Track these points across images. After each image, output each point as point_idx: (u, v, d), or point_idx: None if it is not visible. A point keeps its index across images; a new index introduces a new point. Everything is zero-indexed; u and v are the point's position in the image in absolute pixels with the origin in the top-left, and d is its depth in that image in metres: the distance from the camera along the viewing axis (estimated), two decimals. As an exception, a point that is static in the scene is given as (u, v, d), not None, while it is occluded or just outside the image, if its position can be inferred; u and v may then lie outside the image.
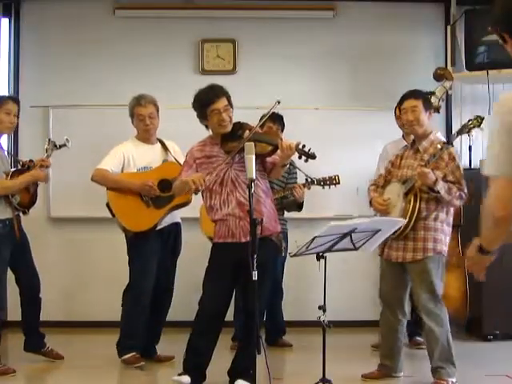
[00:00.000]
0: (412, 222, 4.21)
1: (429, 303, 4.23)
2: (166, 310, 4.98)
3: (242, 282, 4.11)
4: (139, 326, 4.81)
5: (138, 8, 6.27)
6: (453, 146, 4.52)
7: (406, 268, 4.32)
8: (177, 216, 4.94)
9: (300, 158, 4.03)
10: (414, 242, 4.26)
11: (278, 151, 4.07)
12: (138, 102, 4.86)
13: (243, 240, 4.04)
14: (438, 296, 4.25)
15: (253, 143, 3.76)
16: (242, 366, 4.10)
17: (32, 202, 4.85)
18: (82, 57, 6.23)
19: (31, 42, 6.30)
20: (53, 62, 6.27)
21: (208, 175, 4.07)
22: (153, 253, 4.80)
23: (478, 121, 4.21)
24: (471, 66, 5.85)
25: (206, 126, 4.23)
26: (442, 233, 4.29)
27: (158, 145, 4.96)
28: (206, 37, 6.31)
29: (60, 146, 4.84)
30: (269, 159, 4.17)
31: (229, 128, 4.14)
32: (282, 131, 5.39)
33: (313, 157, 4.02)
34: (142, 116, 4.84)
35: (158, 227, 4.79)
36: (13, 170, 4.83)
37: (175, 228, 4.94)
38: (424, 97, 4.46)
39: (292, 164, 5.32)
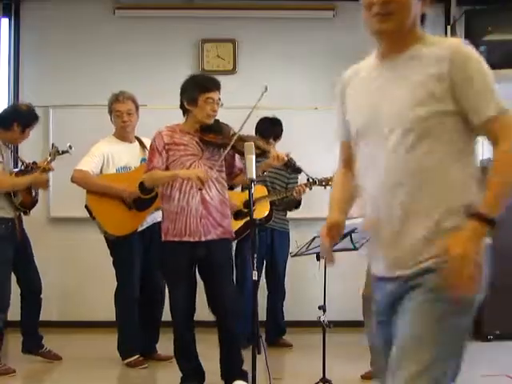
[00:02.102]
0: None
1: None
2: (161, 308, 4.95)
3: (208, 282, 4.12)
4: (136, 326, 4.81)
5: (138, 8, 6.28)
6: None
7: None
8: (158, 216, 4.84)
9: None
10: None
11: (267, 159, 4.13)
12: (117, 98, 4.81)
13: (203, 239, 4.00)
14: None
15: (253, 143, 3.76)
16: (234, 366, 4.10)
17: (33, 202, 4.86)
18: (82, 57, 6.23)
19: (31, 42, 6.30)
20: (53, 61, 6.28)
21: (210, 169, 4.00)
22: (136, 253, 4.78)
23: None
24: (471, 66, 5.84)
25: (184, 112, 4.12)
26: None
27: (136, 143, 4.93)
28: (206, 37, 6.31)
29: (63, 152, 4.83)
30: (238, 164, 4.16)
31: (212, 121, 4.10)
32: (279, 137, 5.39)
33: (298, 171, 4.27)
34: (120, 112, 4.79)
35: (140, 229, 4.77)
36: (16, 170, 4.84)
37: (157, 227, 4.88)
38: None
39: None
